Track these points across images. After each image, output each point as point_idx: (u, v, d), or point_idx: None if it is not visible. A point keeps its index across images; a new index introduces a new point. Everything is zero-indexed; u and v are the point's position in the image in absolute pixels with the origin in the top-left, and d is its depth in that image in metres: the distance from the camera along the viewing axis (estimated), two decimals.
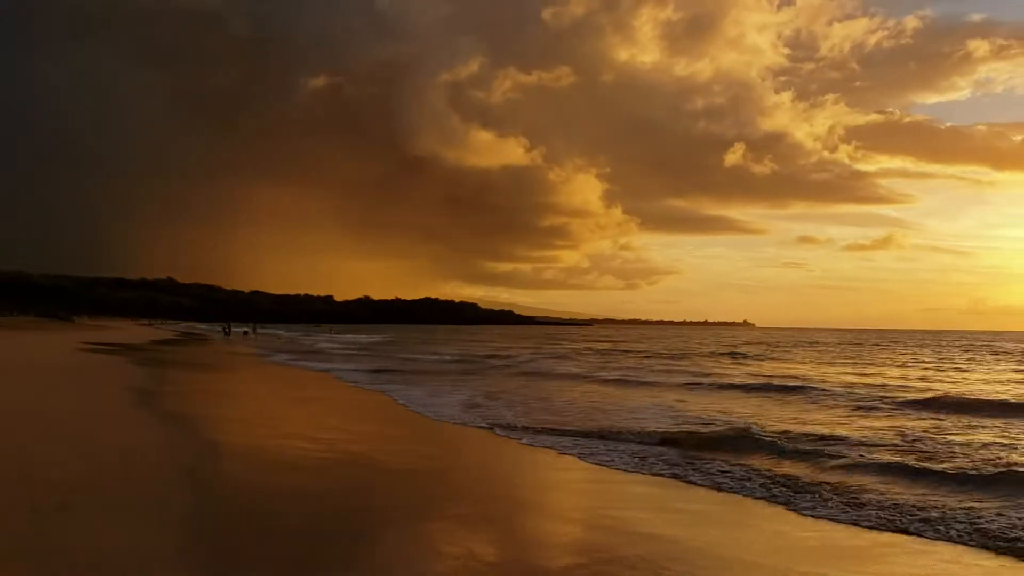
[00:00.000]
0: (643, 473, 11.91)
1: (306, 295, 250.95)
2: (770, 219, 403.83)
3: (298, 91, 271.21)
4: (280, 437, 14.47)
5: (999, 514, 9.12)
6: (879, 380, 31.77)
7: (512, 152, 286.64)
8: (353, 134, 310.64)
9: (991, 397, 23.79)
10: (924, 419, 18.62)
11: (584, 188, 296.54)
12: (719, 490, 10.74)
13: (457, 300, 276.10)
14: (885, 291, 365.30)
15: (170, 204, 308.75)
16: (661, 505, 9.97)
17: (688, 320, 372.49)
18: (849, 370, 39.33)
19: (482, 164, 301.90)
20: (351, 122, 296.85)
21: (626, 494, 10.72)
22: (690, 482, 11.23)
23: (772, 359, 51.05)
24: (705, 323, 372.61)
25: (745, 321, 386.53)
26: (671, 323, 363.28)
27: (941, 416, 19.11)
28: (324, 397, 23.75)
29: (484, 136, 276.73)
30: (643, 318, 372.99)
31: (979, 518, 8.95)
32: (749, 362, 46.90)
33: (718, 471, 11.87)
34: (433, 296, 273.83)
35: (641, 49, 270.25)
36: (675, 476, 11.63)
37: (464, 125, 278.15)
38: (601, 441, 14.80)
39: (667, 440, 14.68)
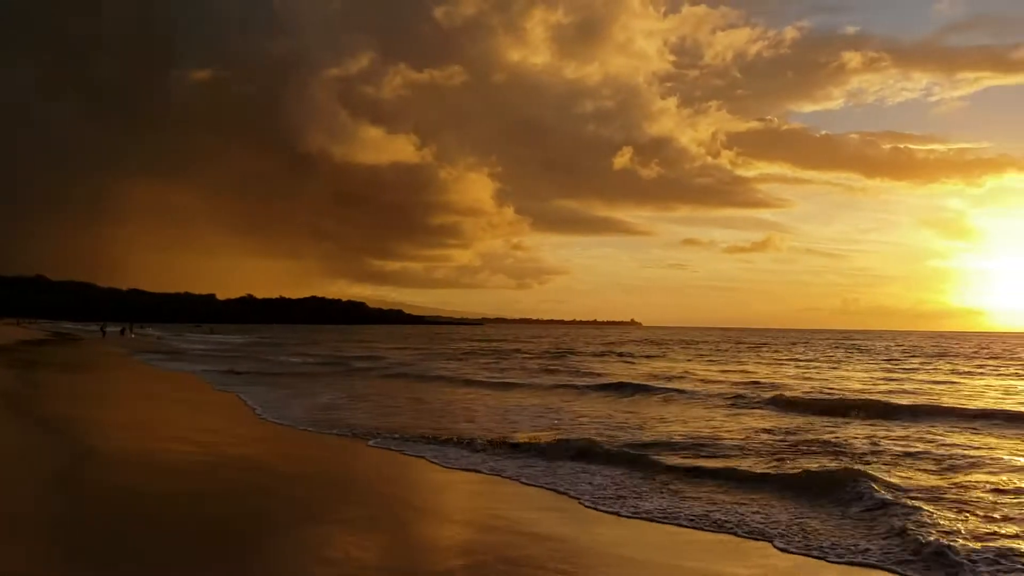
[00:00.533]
0: (504, 477, 11.68)
1: (187, 294, 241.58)
2: (657, 221, 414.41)
3: (182, 84, 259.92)
4: (145, 440, 14.21)
5: (824, 519, 9.17)
6: (753, 379, 32.19)
7: (403, 149, 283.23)
8: (239, 129, 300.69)
9: (856, 397, 24.02)
10: (791, 418, 18.75)
11: (476, 187, 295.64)
12: (582, 494, 10.49)
13: (344, 299, 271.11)
14: (764, 291, 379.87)
15: (41, 197, 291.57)
16: (532, 506, 9.92)
17: (578, 319, 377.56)
18: (726, 368, 39.91)
19: (371, 161, 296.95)
20: (237, 117, 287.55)
21: (499, 496, 10.61)
22: (552, 488, 10.91)
23: (653, 357, 51.61)
24: (594, 322, 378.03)
25: (632, 320, 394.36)
26: (561, 322, 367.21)
27: (807, 416, 19.29)
28: (187, 400, 23.00)
29: (374, 133, 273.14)
30: (534, 317, 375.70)
31: (803, 517, 9.14)
32: (632, 360, 47.25)
33: (581, 474, 11.73)
34: (320, 295, 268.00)
35: (532, 51, 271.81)
36: (544, 479, 11.40)
37: (353, 121, 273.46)
38: (461, 446, 14.24)
39: (532, 445, 14.12)
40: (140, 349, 54.89)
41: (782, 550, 7.99)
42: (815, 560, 7.71)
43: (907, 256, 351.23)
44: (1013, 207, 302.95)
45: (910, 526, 8.37)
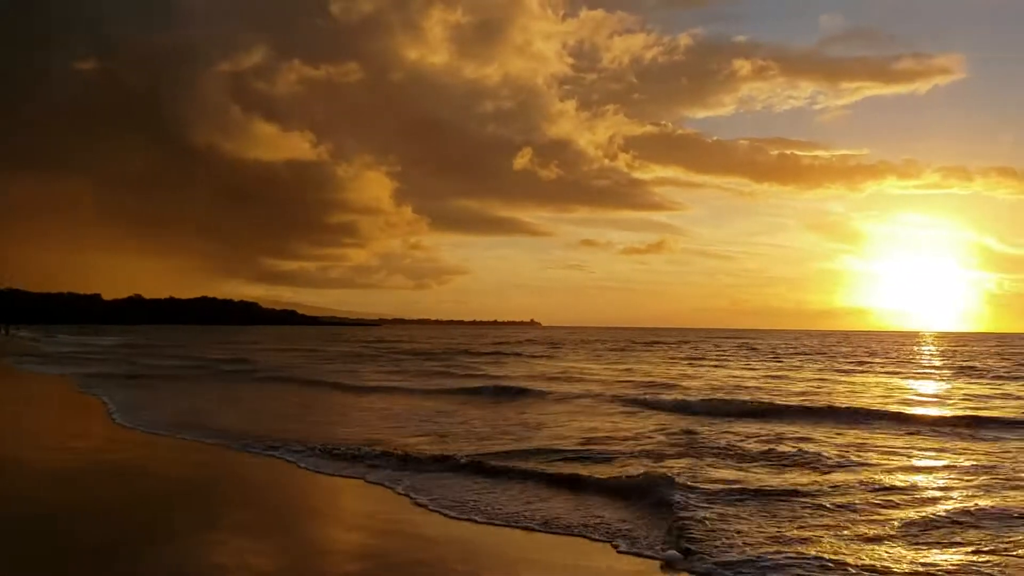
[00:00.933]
0: (376, 483, 11.55)
1: (70, 294, 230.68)
2: (556, 222, 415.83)
3: (64, 74, 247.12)
4: (5, 447, 13.97)
5: (658, 521, 9.31)
6: (646, 379, 32.36)
7: (297, 146, 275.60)
8: (124, 123, 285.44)
9: (746, 397, 24.25)
10: (678, 419, 18.62)
11: (373, 185, 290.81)
12: (451, 501, 10.39)
13: (237, 300, 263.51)
14: (659, 292, 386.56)
15: None
16: (413, 512, 9.92)
17: (478, 320, 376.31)
18: (619, 367, 40.08)
19: (265, 158, 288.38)
20: (122, 110, 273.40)
21: (382, 501, 10.58)
22: (423, 495, 10.70)
23: (549, 357, 51.63)
24: (494, 322, 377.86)
25: (532, 320, 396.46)
26: (461, 323, 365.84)
27: (697, 416, 19.30)
28: (51, 404, 22.63)
29: (267, 129, 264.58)
30: (433, 318, 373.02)
31: (626, 522, 9.35)
32: (529, 360, 47.14)
33: (452, 482, 11.57)
34: (211, 295, 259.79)
35: (431, 50, 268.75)
36: (418, 487, 11.20)
37: (246, 117, 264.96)
38: (337, 453, 13.66)
39: (407, 454, 13.55)
40: (10, 351, 52.30)
41: (622, 551, 8.28)
42: (650, 560, 8.00)
43: (793, 258, 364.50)
44: (892, 212, 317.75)
45: (696, 529, 8.65)
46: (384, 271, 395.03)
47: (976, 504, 9.73)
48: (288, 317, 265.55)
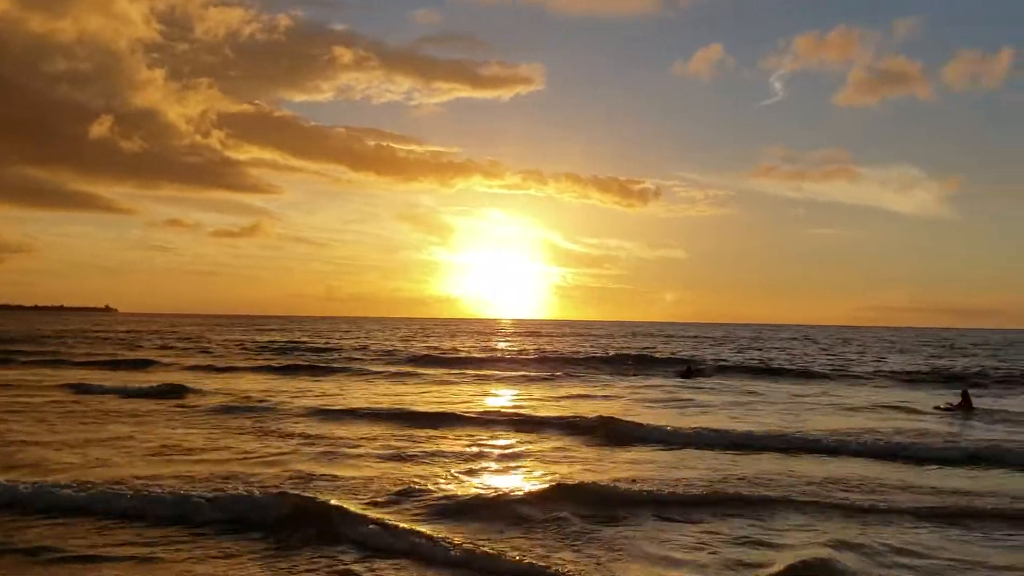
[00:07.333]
0: None
1: None
2: (139, 199, 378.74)
3: None
4: None
5: None
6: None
7: None
8: None
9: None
10: None
11: None
12: None
13: None
14: (252, 277, 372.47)
15: None
16: None
17: (41, 305, 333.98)
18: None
19: None
20: None
21: None
22: None
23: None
24: (62, 308, 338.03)
25: (107, 306, 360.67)
26: (20, 308, 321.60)
27: None
28: None
29: None
30: None
31: None
32: None
33: None
34: None
35: None
36: None
37: None
38: None
39: None
40: None
41: None
42: None
43: (386, 247, 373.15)
44: (478, 208, 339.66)
45: None
46: None
47: None
48: None
